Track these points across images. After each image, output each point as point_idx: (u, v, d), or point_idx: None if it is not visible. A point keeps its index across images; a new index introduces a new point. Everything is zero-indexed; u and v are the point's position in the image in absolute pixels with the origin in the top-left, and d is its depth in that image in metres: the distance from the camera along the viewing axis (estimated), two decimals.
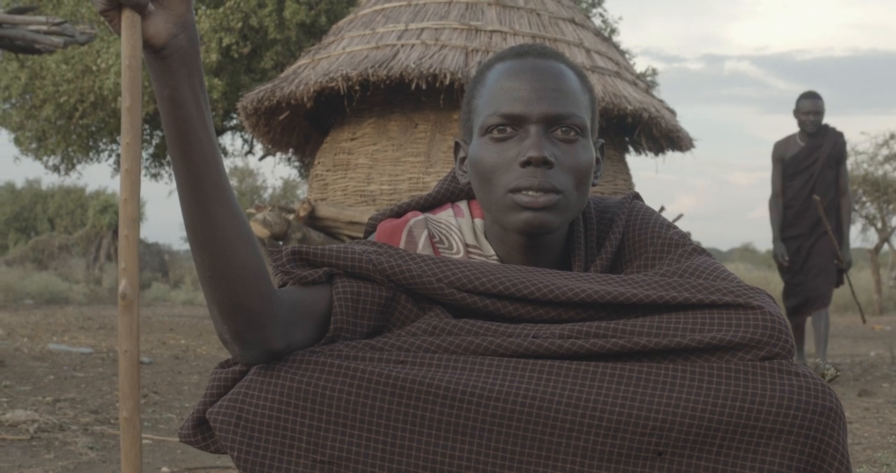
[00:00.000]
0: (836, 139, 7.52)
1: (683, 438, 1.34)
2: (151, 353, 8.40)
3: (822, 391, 1.37)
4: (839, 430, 1.37)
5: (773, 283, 19.14)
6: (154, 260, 28.23)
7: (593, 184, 1.65)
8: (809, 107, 7.44)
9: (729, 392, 1.35)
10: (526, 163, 1.55)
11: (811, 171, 7.43)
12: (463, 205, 1.74)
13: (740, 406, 1.34)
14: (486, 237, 1.68)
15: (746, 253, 42.99)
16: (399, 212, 1.75)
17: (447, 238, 1.68)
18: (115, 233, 27.27)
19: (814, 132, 7.45)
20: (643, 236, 1.66)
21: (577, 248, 1.66)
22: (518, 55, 1.65)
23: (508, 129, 1.58)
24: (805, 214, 7.47)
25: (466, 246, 1.67)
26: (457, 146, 1.74)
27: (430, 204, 1.76)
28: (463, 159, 1.72)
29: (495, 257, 1.66)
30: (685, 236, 1.65)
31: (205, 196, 1.33)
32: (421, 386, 1.38)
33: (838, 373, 5.92)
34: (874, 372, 7.70)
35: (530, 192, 1.54)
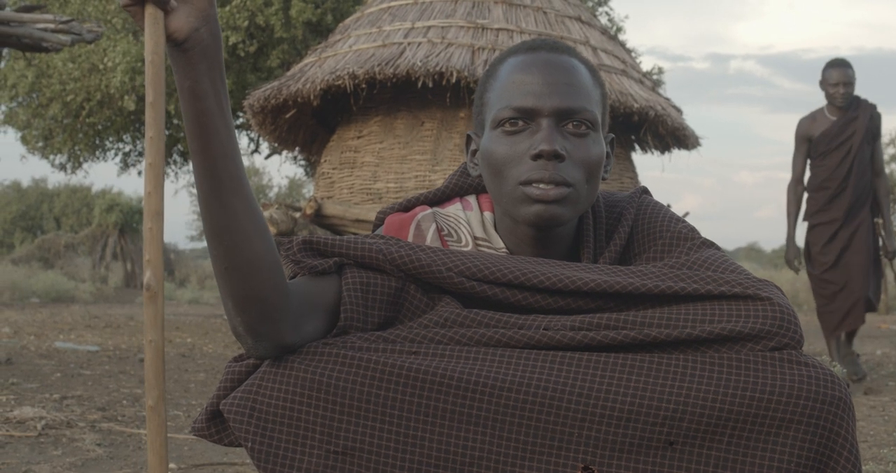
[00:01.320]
0: (872, 111, 6.59)
1: (695, 428, 1.35)
2: None
3: (831, 381, 1.38)
4: (848, 420, 1.38)
5: (779, 283, 19.12)
6: None
7: (603, 179, 1.66)
8: (838, 77, 6.45)
9: (739, 382, 1.36)
10: (537, 156, 1.56)
11: (847, 148, 6.49)
12: (472, 199, 1.75)
13: (750, 396, 1.35)
14: (495, 230, 1.69)
15: (752, 252, 42.98)
16: (407, 207, 1.76)
17: (456, 231, 1.69)
18: (122, 231, 27.40)
19: (845, 105, 6.47)
20: (652, 229, 1.67)
21: (587, 241, 1.67)
22: (530, 49, 1.66)
23: (520, 123, 1.59)
24: (840, 197, 6.50)
25: (475, 238, 1.68)
26: (468, 139, 1.75)
27: (438, 198, 1.77)
28: (475, 152, 1.73)
29: (505, 249, 1.67)
30: (694, 229, 1.66)
31: (222, 188, 1.34)
32: (434, 377, 1.39)
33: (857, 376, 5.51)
34: (880, 371, 7.70)
35: (541, 185, 1.55)
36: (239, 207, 1.36)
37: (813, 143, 6.63)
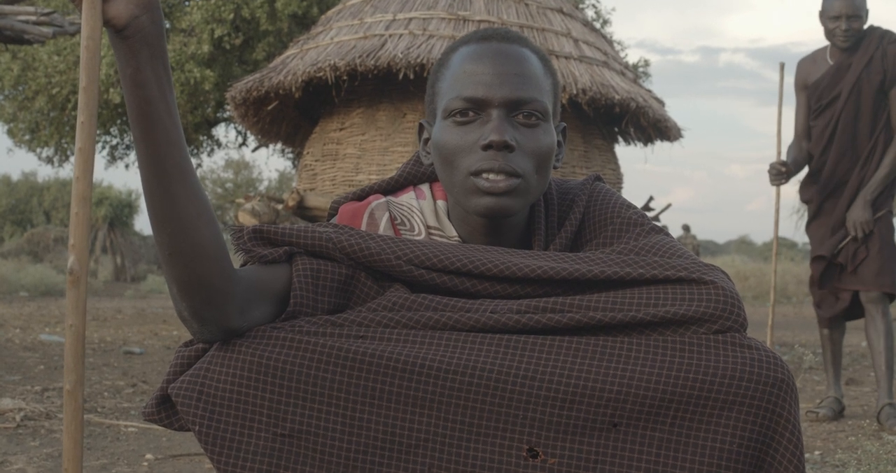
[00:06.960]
0: (886, 45, 4.81)
1: (638, 409, 1.37)
2: (143, 344, 8.42)
3: (774, 363, 1.39)
4: (791, 401, 1.40)
5: (769, 275, 19.19)
6: (150, 252, 28.29)
7: (555, 167, 1.67)
8: (841, 7, 4.76)
9: (682, 364, 1.38)
10: (487, 147, 1.57)
11: (837, 105, 4.86)
12: (425, 187, 1.76)
13: (693, 378, 1.37)
14: (448, 218, 1.70)
15: (743, 245, 43.12)
16: (361, 196, 1.77)
17: (409, 220, 1.70)
18: (111, 225, 27.38)
19: (848, 46, 4.83)
20: (603, 216, 1.68)
21: (538, 228, 1.68)
22: (482, 39, 1.66)
23: (471, 113, 1.60)
24: (817, 176, 4.94)
25: (428, 227, 1.69)
26: (420, 127, 1.76)
27: (392, 187, 1.77)
28: (427, 140, 1.74)
29: (457, 238, 1.68)
30: (643, 216, 1.68)
31: (166, 175, 1.35)
32: (380, 360, 1.40)
33: None
34: (863, 362, 7.76)
35: (490, 176, 1.56)
36: (182, 195, 1.36)
37: (808, 94, 5.07)
